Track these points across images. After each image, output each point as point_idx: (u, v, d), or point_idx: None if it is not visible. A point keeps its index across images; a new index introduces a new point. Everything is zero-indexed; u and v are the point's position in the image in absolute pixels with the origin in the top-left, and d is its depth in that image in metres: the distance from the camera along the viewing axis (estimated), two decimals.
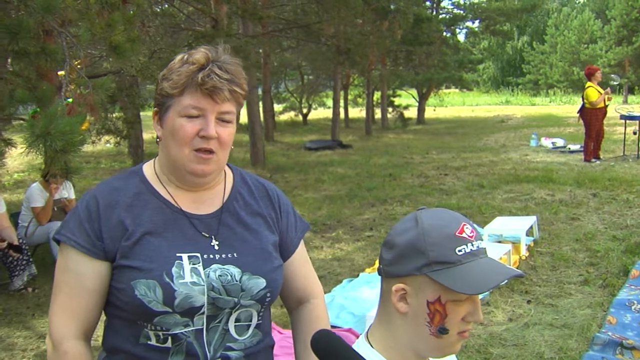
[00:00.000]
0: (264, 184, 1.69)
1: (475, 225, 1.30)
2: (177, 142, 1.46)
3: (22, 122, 4.93)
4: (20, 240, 5.66)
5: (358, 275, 5.65)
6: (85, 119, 4.02)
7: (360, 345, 1.34)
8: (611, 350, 3.96)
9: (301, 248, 1.71)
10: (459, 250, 1.21)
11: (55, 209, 6.07)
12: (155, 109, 1.53)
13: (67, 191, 6.29)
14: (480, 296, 5.02)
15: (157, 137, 1.54)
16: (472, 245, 1.22)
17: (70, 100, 4.13)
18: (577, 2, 58.25)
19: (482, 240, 1.26)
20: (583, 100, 11.99)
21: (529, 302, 4.90)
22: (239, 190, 1.62)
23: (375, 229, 7.51)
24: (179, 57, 1.49)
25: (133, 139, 13.22)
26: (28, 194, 6.10)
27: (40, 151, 3.37)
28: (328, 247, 6.78)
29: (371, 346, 1.31)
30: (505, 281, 1.20)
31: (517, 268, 5.61)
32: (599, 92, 11.61)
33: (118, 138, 12.82)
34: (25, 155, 3.63)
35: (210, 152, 1.46)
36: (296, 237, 1.69)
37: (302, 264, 1.70)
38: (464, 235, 1.22)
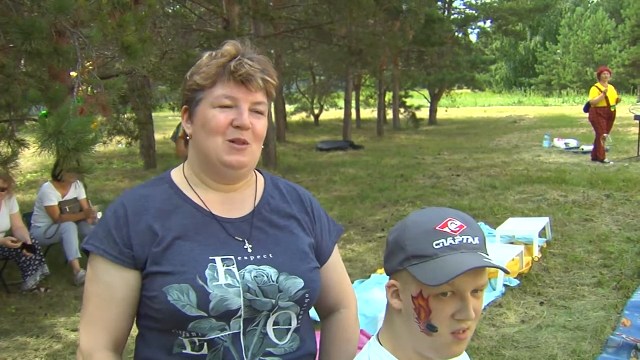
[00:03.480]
0: (296, 188, 1.65)
1: (481, 224, 1.28)
2: (209, 133, 1.42)
3: (34, 122, 4.96)
4: (33, 240, 5.69)
5: (369, 277, 5.64)
6: (93, 119, 4.03)
7: (371, 345, 1.35)
8: (625, 353, 3.92)
9: (335, 253, 1.66)
10: (437, 244, 1.20)
11: (67, 209, 6.10)
12: (185, 106, 1.49)
13: (78, 191, 6.32)
14: (492, 297, 5.01)
15: (187, 136, 1.49)
16: (454, 239, 1.20)
17: (79, 98, 4.14)
18: (591, 1, 57.86)
19: (474, 236, 1.22)
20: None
21: (541, 303, 4.86)
22: (271, 194, 1.58)
23: (387, 229, 7.48)
24: (206, 54, 1.47)
25: (145, 140, 13.27)
26: (40, 194, 6.14)
27: (53, 150, 3.38)
28: (339, 248, 6.70)
29: (381, 345, 1.32)
30: (468, 269, 1.14)
31: (529, 269, 5.57)
32: (600, 91, 11.65)
33: (129, 139, 12.87)
34: (38, 155, 3.64)
35: (245, 142, 1.42)
36: (331, 242, 1.64)
37: (336, 270, 1.65)
38: (445, 229, 1.21)
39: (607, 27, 44.25)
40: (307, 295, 1.47)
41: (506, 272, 1.31)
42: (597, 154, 12.20)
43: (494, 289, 5.04)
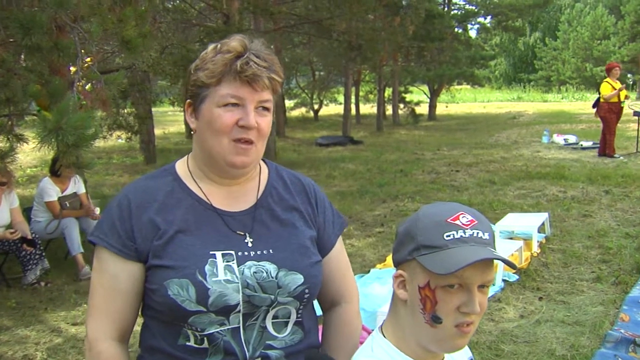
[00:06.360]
0: (301, 178, 1.64)
1: (485, 219, 1.29)
2: (215, 132, 1.41)
3: (34, 117, 4.96)
4: (34, 235, 5.69)
5: (369, 271, 5.64)
6: (92, 114, 4.04)
7: (374, 337, 1.36)
8: (624, 347, 3.93)
9: (339, 246, 1.64)
10: (447, 236, 1.21)
11: (67, 204, 6.10)
12: (189, 100, 1.47)
13: (77, 186, 6.32)
14: (491, 292, 5.02)
15: (191, 130, 1.49)
16: (464, 232, 1.22)
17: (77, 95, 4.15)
18: None
19: (484, 231, 1.24)
20: (599, 94, 12.04)
21: (540, 298, 4.88)
22: (274, 185, 1.57)
23: (386, 225, 7.50)
24: (211, 47, 1.45)
25: (144, 135, 13.27)
26: (39, 190, 6.13)
27: (53, 145, 3.39)
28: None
29: (384, 337, 1.32)
30: (478, 260, 1.15)
31: (528, 265, 5.59)
32: (613, 87, 11.62)
33: (129, 133, 12.88)
34: (38, 151, 3.64)
35: (250, 142, 1.41)
36: (333, 234, 1.62)
37: (339, 263, 1.63)
38: (456, 222, 1.23)
39: (607, 24, 44.20)
40: (306, 290, 1.47)
41: (514, 267, 1.32)
42: (606, 150, 12.14)
43: (493, 284, 5.06)
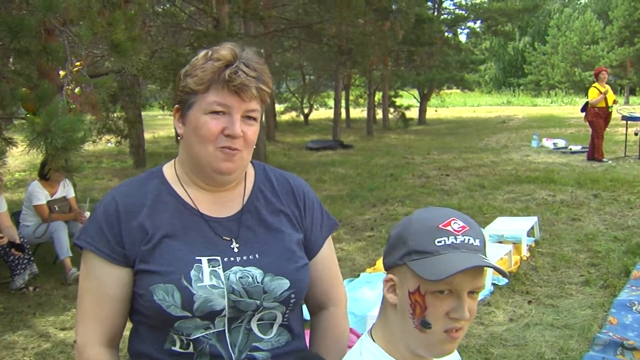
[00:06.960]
0: (289, 179, 1.64)
1: (477, 225, 1.29)
2: (201, 139, 1.41)
3: (23, 121, 4.94)
4: (22, 239, 5.66)
5: (359, 276, 5.65)
6: (82, 117, 4.03)
7: (363, 341, 1.36)
8: (612, 350, 3.95)
9: (327, 248, 1.63)
10: (438, 242, 1.22)
11: (57, 208, 6.07)
12: (177, 105, 1.48)
13: (66, 190, 6.28)
14: (481, 296, 5.02)
15: (178, 135, 1.49)
16: (456, 238, 1.22)
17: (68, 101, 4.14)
18: (579, 2, 58.31)
19: (475, 238, 1.24)
20: (587, 99, 12.19)
21: (529, 302, 4.90)
22: (261, 188, 1.57)
23: (376, 229, 7.50)
24: (202, 53, 1.45)
25: (134, 139, 13.23)
26: (28, 194, 6.09)
27: (41, 149, 3.38)
28: None
29: (374, 341, 1.33)
30: (468, 268, 1.16)
31: (518, 268, 5.61)
32: (600, 92, 11.71)
33: (119, 137, 12.83)
34: (26, 154, 3.62)
35: (235, 149, 1.41)
36: (321, 237, 1.62)
37: (326, 266, 1.63)
38: (448, 228, 1.23)
39: (595, 28, 44.55)
40: (292, 295, 1.47)
41: (505, 275, 1.33)
42: (595, 154, 12.22)
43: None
